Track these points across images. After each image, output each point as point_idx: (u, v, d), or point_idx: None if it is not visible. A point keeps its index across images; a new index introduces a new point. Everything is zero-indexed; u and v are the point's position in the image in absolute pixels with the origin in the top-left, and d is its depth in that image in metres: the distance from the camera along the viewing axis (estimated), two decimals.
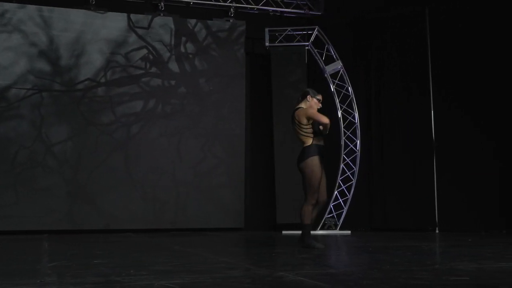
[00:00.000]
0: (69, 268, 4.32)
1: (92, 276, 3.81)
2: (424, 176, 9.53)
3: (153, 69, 10.02)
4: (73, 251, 6.03)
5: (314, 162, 6.07)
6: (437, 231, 9.29)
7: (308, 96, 6.30)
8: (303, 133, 6.14)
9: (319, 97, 6.38)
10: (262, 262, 4.89)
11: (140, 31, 9.96)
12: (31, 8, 9.47)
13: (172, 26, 10.13)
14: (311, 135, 6.12)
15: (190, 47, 10.23)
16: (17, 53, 9.38)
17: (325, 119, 6.10)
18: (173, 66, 10.10)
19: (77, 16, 9.67)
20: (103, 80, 9.76)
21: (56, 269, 4.24)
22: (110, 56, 9.80)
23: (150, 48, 10.01)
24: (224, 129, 10.21)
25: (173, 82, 10.09)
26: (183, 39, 10.19)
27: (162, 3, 9.92)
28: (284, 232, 9.38)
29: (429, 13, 9.75)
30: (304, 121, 6.13)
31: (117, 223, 9.49)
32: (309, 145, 6.11)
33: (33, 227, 9.06)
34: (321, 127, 6.15)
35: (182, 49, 10.18)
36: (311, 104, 6.26)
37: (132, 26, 9.93)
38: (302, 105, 6.28)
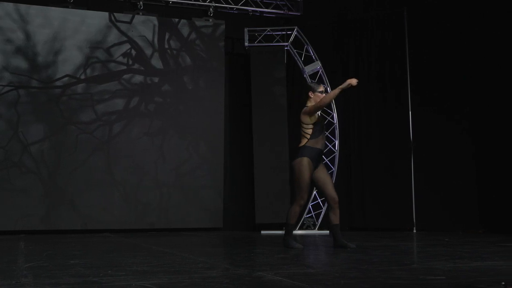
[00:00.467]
0: (46, 269, 4.27)
1: (69, 277, 3.77)
2: (402, 176, 9.60)
3: (135, 66, 9.95)
4: (49, 252, 5.96)
5: (302, 162, 5.99)
6: (414, 231, 9.36)
7: (309, 93, 6.21)
8: (302, 132, 6.08)
9: (321, 89, 6.24)
10: (241, 262, 4.88)
11: (122, 27, 9.88)
12: (8, 5, 9.34)
13: (156, 23, 10.07)
14: (308, 136, 6.04)
15: (170, 45, 10.18)
16: None
17: (323, 100, 6.01)
18: (155, 64, 10.05)
19: (55, 12, 9.57)
20: (82, 76, 9.67)
21: (32, 270, 4.18)
22: (90, 52, 9.71)
23: (133, 44, 9.94)
24: (204, 129, 10.19)
25: (155, 79, 10.03)
26: (165, 36, 10.14)
27: (141, 2, 9.88)
28: (263, 232, 9.39)
29: (407, 15, 9.82)
30: (306, 120, 6.07)
31: (95, 224, 9.41)
32: (302, 146, 6.05)
33: (9, 227, 8.95)
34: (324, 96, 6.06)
35: (164, 47, 10.13)
36: (316, 100, 6.14)
37: (114, 21, 9.84)
38: (308, 103, 6.18)
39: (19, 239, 7.81)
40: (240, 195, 10.41)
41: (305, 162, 5.99)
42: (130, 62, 9.93)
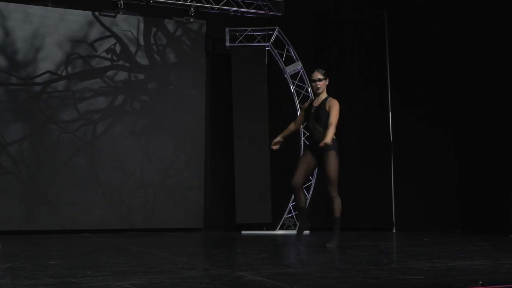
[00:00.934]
0: (24, 270, 4.23)
1: (48, 277, 3.74)
2: (382, 176, 9.67)
3: (119, 63, 9.88)
4: (28, 253, 5.90)
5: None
6: (394, 231, 9.42)
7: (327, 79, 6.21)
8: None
9: (313, 77, 6.14)
10: (221, 262, 4.88)
11: (105, 22, 9.82)
12: None
13: (138, 21, 10.03)
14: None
15: (151, 45, 10.14)
16: None
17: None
18: (137, 62, 9.99)
19: (36, 9, 9.46)
20: (64, 73, 9.56)
21: (11, 271, 4.14)
22: (71, 49, 9.60)
23: (116, 40, 9.87)
24: (185, 129, 10.16)
25: (140, 76, 9.98)
26: (147, 36, 10.10)
27: (121, 1, 9.81)
28: (243, 232, 9.40)
29: (387, 16, 9.89)
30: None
31: (75, 224, 9.33)
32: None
33: None
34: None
35: (145, 46, 10.08)
36: (312, 89, 6.27)
37: (97, 16, 9.77)
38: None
39: None
40: (221, 195, 10.40)
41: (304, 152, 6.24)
42: (115, 58, 9.84)
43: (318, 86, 6.06)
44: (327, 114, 5.93)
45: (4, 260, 5.01)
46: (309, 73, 9.74)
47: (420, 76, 9.59)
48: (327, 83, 6.13)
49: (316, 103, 6.09)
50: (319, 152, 5.97)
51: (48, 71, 9.45)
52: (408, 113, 9.62)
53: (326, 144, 5.71)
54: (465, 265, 4.36)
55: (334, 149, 5.96)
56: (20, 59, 9.37)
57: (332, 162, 5.98)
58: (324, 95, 6.11)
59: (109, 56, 9.84)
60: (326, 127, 5.87)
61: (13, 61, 9.34)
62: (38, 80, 9.44)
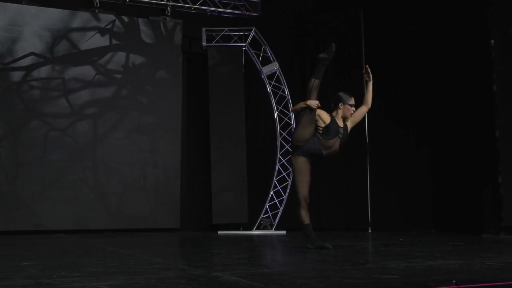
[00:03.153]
0: None
1: (21, 279, 3.69)
2: (358, 177, 9.72)
3: (93, 63, 9.81)
4: (1, 253, 5.83)
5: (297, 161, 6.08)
6: (370, 231, 9.49)
7: (339, 104, 6.09)
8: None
9: (352, 102, 6.13)
10: (197, 262, 4.87)
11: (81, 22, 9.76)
12: None
13: (113, 20, 9.97)
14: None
15: (126, 44, 10.07)
16: None
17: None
18: (113, 61, 9.92)
19: (9, 6, 9.35)
20: (36, 73, 9.47)
21: None
22: (47, 44, 9.52)
23: (92, 40, 9.79)
24: (161, 128, 10.11)
25: (116, 76, 9.89)
26: (121, 35, 10.02)
27: (97, 0, 9.73)
28: (220, 232, 9.38)
29: (363, 17, 9.95)
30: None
31: (47, 224, 9.22)
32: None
33: None
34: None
35: (120, 45, 10.01)
36: (344, 112, 6.09)
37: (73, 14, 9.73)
38: (334, 113, 6.10)
39: None
40: (197, 196, 10.37)
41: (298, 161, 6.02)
42: (90, 57, 9.77)
43: (352, 111, 6.11)
44: (347, 136, 6.13)
45: None
46: (285, 73, 9.84)
47: (395, 77, 9.66)
48: None
49: (340, 123, 6.11)
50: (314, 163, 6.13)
51: (26, 65, 9.34)
52: (384, 114, 9.68)
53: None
54: (440, 265, 4.40)
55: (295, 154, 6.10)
56: None
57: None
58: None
59: (85, 55, 9.75)
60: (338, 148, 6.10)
61: None
62: (16, 73, 9.32)
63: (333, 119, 6.05)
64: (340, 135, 6.06)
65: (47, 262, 4.88)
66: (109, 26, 9.94)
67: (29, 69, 9.43)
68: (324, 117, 6.03)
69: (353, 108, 6.11)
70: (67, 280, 3.62)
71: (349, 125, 6.17)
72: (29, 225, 9.15)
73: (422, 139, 9.50)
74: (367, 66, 6.22)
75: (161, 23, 10.28)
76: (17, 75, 9.37)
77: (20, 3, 9.39)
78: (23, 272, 4.04)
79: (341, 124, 6.09)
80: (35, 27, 9.48)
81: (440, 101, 9.29)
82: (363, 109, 6.29)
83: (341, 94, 6.16)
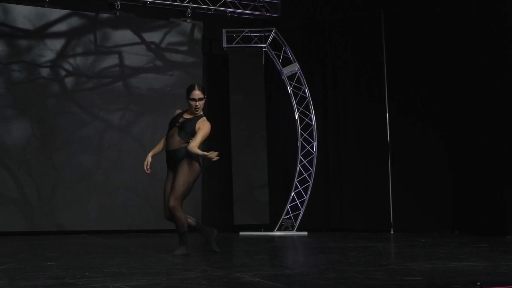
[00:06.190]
0: (22, 271, 4.22)
1: (45, 279, 3.73)
2: (380, 177, 9.66)
3: (115, 66, 9.87)
4: (25, 253, 5.89)
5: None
6: (392, 232, 9.42)
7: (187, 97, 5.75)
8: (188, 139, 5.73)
9: (193, 95, 5.75)
10: (219, 263, 4.88)
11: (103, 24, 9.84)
12: None
13: (134, 22, 10.03)
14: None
15: (148, 46, 10.12)
16: None
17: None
18: (134, 63, 9.99)
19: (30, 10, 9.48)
20: (63, 73, 9.57)
21: (8, 272, 4.13)
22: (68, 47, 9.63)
23: (114, 43, 9.87)
24: None
25: (136, 79, 9.94)
26: (144, 36, 10.09)
27: (118, 2, 9.81)
28: (241, 233, 9.38)
29: (384, 17, 9.89)
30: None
31: (71, 225, 9.30)
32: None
33: None
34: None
35: (142, 47, 10.08)
36: (188, 105, 5.77)
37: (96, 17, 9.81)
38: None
39: None
40: (218, 197, 10.37)
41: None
42: (113, 60, 9.85)
43: (198, 106, 5.71)
44: (193, 129, 5.69)
45: (1, 261, 4.99)
46: (306, 73, 9.83)
47: (417, 78, 9.59)
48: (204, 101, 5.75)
49: (188, 116, 5.79)
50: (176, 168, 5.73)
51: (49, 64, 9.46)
52: (404, 116, 9.62)
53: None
54: (463, 266, 4.36)
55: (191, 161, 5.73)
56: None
57: (183, 174, 5.72)
58: (199, 113, 5.78)
59: (107, 58, 9.83)
60: (186, 140, 5.67)
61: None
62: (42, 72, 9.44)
63: (180, 113, 5.85)
64: (178, 124, 5.74)
65: (71, 262, 4.92)
66: (130, 28, 10.00)
67: (58, 70, 9.53)
68: (174, 114, 5.94)
69: (196, 103, 5.70)
70: (90, 280, 3.65)
71: (201, 123, 5.72)
72: (52, 226, 9.25)
73: (443, 140, 9.42)
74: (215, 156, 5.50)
75: (181, 25, 10.32)
76: (46, 74, 9.46)
77: (43, 6, 9.49)
78: (47, 272, 4.08)
79: (188, 116, 5.78)
80: (60, 29, 9.58)
81: (461, 101, 9.21)
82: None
83: (190, 86, 5.87)
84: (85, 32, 9.78)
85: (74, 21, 9.72)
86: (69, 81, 9.65)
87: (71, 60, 9.68)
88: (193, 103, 5.70)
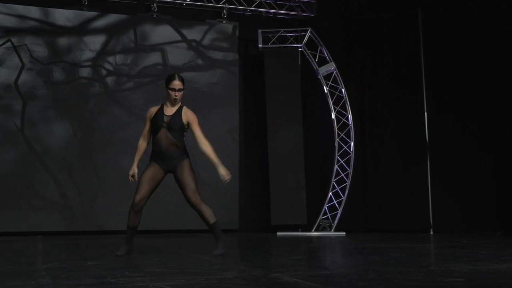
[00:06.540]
0: (63, 270, 4.29)
1: (87, 278, 3.79)
2: (418, 177, 9.54)
3: (150, 66, 9.98)
4: (66, 253, 6.00)
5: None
6: (431, 233, 9.30)
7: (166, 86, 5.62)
8: (182, 136, 5.73)
9: (172, 85, 5.57)
10: (257, 263, 4.88)
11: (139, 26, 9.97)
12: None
13: (171, 23, 10.13)
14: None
15: (184, 47, 10.21)
16: None
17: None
18: (170, 63, 10.07)
19: (71, 13, 9.67)
20: (104, 73, 9.73)
21: (51, 271, 4.21)
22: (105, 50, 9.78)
23: (153, 44, 9.98)
24: (218, 131, 10.16)
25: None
26: (179, 38, 10.17)
27: (155, 4, 9.92)
28: (278, 233, 9.37)
29: (422, 16, 9.76)
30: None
31: (110, 225, 9.43)
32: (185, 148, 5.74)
33: (27, 228, 8.98)
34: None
35: (178, 48, 10.16)
36: (168, 95, 5.61)
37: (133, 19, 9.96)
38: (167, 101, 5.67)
39: (36, 240, 7.86)
40: (256, 197, 10.39)
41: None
42: (151, 60, 9.96)
43: (177, 96, 5.58)
44: (182, 124, 5.63)
45: (45, 260, 5.10)
46: (342, 73, 9.76)
47: (456, 76, 9.45)
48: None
49: (169, 112, 5.63)
50: (172, 166, 5.73)
51: (83, 77, 9.61)
52: (443, 114, 9.48)
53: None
54: (507, 268, 4.27)
55: (187, 157, 5.76)
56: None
57: (189, 171, 5.85)
58: (178, 104, 5.66)
59: (148, 56, 9.94)
60: (179, 138, 5.64)
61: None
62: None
63: (160, 109, 5.65)
64: (165, 124, 5.56)
65: (111, 262, 5.00)
66: (167, 30, 10.09)
67: (98, 69, 9.70)
68: (151, 112, 5.70)
69: (176, 93, 5.54)
70: (130, 279, 3.69)
71: (187, 115, 5.67)
72: (92, 226, 9.40)
73: (486, 139, 9.26)
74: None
75: (217, 26, 10.37)
76: (86, 74, 9.64)
77: (81, 9, 9.66)
78: (88, 272, 4.15)
79: (170, 111, 5.62)
80: (99, 28, 9.74)
81: (502, 100, 9.04)
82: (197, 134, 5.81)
83: (170, 75, 5.66)
84: (124, 31, 9.91)
85: (113, 20, 9.88)
86: (109, 80, 9.81)
87: (111, 59, 9.83)
88: (172, 93, 5.55)
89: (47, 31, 9.54)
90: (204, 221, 5.74)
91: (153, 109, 5.73)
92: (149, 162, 5.74)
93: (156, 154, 5.70)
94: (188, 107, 5.81)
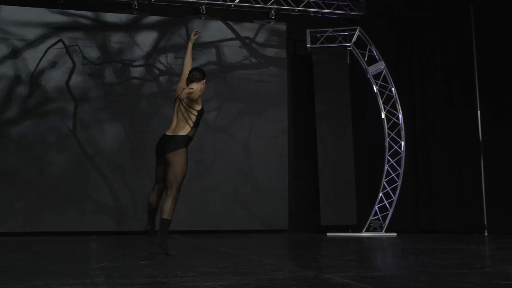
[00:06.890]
0: (117, 269, 4.38)
1: (140, 277, 3.86)
2: (471, 177, 9.33)
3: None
4: (119, 252, 6.11)
5: (186, 154, 5.68)
6: (486, 234, 9.08)
7: (205, 80, 5.77)
8: (185, 117, 5.66)
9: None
10: (307, 264, 4.87)
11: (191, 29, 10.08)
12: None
13: (219, 25, 10.21)
14: (192, 124, 5.68)
15: (231, 48, 10.27)
16: None
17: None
18: (218, 65, 10.14)
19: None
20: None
21: (104, 270, 4.30)
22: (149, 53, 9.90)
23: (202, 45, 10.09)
24: (267, 131, 10.19)
25: (218, 80, 10.09)
26: (227, 39, 10.24)
27: (203, 6, 10.01)
28: (328, 234, 9.33)
29: (474, 12, 9.55)
30: (195, 105, 5.65)
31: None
32: (186, 135, 5.71)
33: (80, 228, 9.20)
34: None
35: (227, 48, 10.23)
36: (202, 88, 5.67)
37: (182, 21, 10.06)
38: (194, 86, 5.60)
39: (90, 240, 8.04)
40: (305, 197, 10.38)
41: (186, 154, 5.66)
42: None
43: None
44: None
45: (98, 260, 5.21)
46: (392, 72, 9.63)
47: (509, 74, 9.19)
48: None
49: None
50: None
51: (133, 77, 9.76)
52: (498, 112, 9.24)
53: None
54: None
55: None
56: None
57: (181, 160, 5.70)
58: None
59: (196, 56, 10.03)
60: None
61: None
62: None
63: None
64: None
65: (163, 262, 5.07)
66: (218, 28, 10.15)
67: (151, 69, 9.83)
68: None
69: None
70: (182, 279, 3.74)
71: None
72: (143, 226, 9.51)
73: None
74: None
75: (266, 26, 10.40)
76: (138, 74, 9.79)
77: (131, 13, 9.83)
78: (141, 271, 4.22)
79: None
80: (150, 27, 9.90)
81: None
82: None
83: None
84: (175, 30, 10.02)
85: (164, 19, 10.02)
86: (161, 80, 9.93)
87: (163, 59, 9.94)
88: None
89: (99, 31, 9.72)
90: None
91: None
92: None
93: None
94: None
